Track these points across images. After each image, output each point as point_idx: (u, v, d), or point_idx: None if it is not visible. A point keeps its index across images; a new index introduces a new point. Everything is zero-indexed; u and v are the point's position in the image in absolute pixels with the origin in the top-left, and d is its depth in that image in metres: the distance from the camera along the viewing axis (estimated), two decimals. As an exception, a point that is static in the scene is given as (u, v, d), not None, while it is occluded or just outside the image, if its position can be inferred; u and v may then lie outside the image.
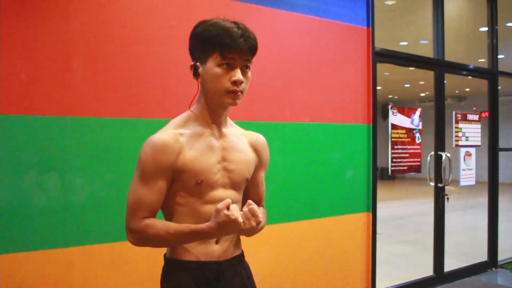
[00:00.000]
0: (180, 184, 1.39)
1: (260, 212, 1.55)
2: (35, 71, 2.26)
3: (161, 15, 2.61)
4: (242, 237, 1.53)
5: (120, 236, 2.44)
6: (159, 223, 1.35)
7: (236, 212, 1.26)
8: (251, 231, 1.35)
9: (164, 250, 1.51)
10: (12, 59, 2.21)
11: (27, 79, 2.24)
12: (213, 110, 1.43)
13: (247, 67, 1.39)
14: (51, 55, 2.30)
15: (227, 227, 1.28)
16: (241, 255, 1.55)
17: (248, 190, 1.57)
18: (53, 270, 2.30)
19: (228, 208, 1.27)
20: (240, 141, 1.50)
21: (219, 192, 1.42)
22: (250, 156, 1.51)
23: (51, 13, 2.30)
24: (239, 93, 1.37)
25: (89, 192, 2.38)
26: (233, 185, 1.45)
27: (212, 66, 1.35)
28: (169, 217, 1.44)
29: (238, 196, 1.49)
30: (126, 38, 2.49)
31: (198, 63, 1.39)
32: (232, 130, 1.51)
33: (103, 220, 2.41)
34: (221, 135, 1.46)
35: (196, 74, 1.40)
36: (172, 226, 1.35)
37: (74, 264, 2.35)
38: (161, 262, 1.51)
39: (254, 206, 1.31)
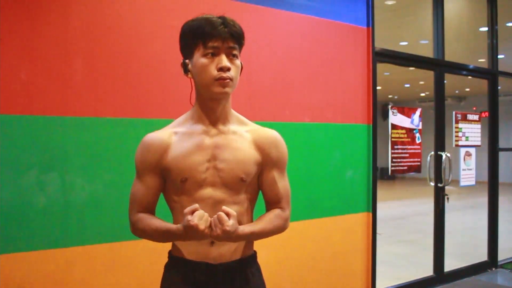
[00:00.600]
0: (170, 182, 1.42)
1: (267, 217, 1.44)
2: (35, 71, 2.26)
3: (161, 15, 2.61)
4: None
5: (120, 236, 2.44)
6: (147, 219, 1.39)
7: (197, 218, 1.23)
8: (223, 238, 1.27)
9: (168, 246, 1.52)
10: (12, 59, 2.21)
11: (27, 79, 2.24)
12: (207, 106, 1.41)
13: (234, 55, 1.37)
14: (51, 55, 2.30)
15: (190, 232, 1.25)
16: (246, 258, 1.48)
17: (263, 191, 1.50)
18: (53, 270, 2.30)
19: (193, 213, 1.25)
20: (240, 138, 1.43)
21: (208, 191, 1.39)
22: (248, 154, 1.41)
23: (51, 13, 2.30)
24: (228, 80, 1.34)
25: (89, 192, 2.38)
26: (225, 185, 1.39)
27: (198, 58, 1.36)
28: (171, 213, 1.47)
29: (233, 196, 1.40)
30: (126, 38, 2.49)
31: (187, 60, 1.40)
32: (235, 128, 1.44)
33: (103, 220, 2.41)
34: (216, 132, 1.41)
35: (186, 71, 1.41)
36: (155, 223, 1.37)
37: (74, 264, 2.35)
38: (160, 262, 1.52)
39: (222, 213, 1.26)
